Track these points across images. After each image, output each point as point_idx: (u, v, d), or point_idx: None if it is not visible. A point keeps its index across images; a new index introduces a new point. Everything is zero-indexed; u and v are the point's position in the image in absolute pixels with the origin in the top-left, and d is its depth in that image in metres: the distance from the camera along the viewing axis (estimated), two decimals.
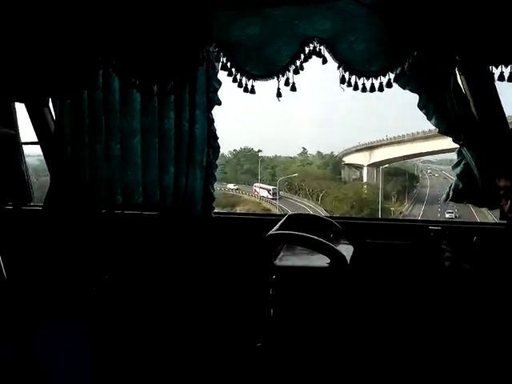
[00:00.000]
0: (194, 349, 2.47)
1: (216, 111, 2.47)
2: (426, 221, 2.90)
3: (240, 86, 2.10)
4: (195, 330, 2.49)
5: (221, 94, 2.44)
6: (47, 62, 2.26)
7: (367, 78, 1.99)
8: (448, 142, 2.35)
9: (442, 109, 2.17)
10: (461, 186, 2.29)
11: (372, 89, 2.00)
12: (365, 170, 14.14)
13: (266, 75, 2.07)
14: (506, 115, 2.18)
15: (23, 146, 2.81)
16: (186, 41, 2.11)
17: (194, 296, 2.50)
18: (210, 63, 2.30)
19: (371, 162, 13.84)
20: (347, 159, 15.09)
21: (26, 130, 2.78)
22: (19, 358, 1.64)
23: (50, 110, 2.67)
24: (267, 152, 16.13)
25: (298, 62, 2.03)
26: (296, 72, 2.04)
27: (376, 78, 1.99)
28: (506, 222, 2.21)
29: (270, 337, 1.95)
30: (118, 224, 2.62)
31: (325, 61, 2.01)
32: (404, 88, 2.19)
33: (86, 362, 2.28)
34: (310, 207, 13.14)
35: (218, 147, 2.49)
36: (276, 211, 12.06)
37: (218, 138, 2.48)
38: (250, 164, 15.75)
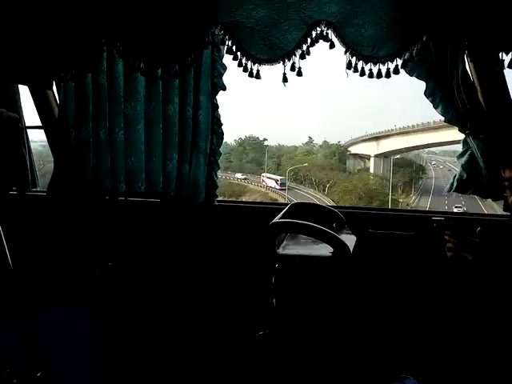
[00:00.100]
0: (196, 337, 2.47)
1: (221, 98, 2.45)
2: (430, 211, 2.87)
3: (245, 70, 2.05)
4: (197, 318, 2.49)
5: (226, 81, 2.41)
6: (51, 44, 2.23)
7: (374, 64, 1.94)
8: (456, 133, 2.32)
9: (448, 97, 2.13)
10: (465, 176, 2.26)
11: (379, 75, 1.95)
12: (372, 161, 14.08)
13: (271, 59, 2.01)
14: None
15: (27, 130, 2.80)
16: (191, 22, 2.07)
17: (197, 283, 2.50)
18: (214, 46, 2.26)
19: (379, 152, 13.79)
20: (353, 149, 15.04)
21: (30, 114, 2.78)
22: (23, 342, 1.65)
23: (54, 95, 2.65)
24: (272, 141, 16.09)
25: (304, 47, 1.97)
26: (302, 57, 1.99)
27: (383, 64, 1.94)
28: (509, 213, 2.19)
29: (272, 325, 1.94)
30: (122, 211, 2.62)
31: (332, 45, 1.95)
32: (411, 75, 2.15)
33: (88, 348, 2.29)
34: (317, 198, 13.06)
35: (222, 134, 2.46)
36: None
37: (222, 125, 2.45)
38: (255, 153, 15.69)
